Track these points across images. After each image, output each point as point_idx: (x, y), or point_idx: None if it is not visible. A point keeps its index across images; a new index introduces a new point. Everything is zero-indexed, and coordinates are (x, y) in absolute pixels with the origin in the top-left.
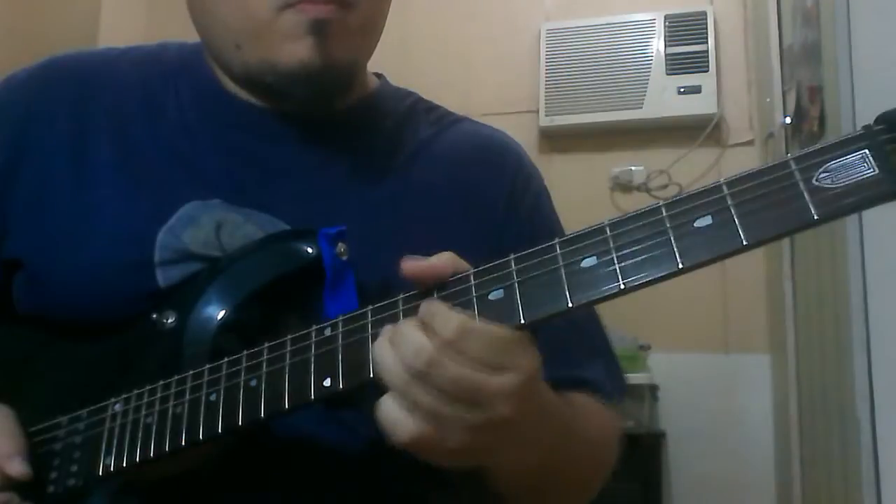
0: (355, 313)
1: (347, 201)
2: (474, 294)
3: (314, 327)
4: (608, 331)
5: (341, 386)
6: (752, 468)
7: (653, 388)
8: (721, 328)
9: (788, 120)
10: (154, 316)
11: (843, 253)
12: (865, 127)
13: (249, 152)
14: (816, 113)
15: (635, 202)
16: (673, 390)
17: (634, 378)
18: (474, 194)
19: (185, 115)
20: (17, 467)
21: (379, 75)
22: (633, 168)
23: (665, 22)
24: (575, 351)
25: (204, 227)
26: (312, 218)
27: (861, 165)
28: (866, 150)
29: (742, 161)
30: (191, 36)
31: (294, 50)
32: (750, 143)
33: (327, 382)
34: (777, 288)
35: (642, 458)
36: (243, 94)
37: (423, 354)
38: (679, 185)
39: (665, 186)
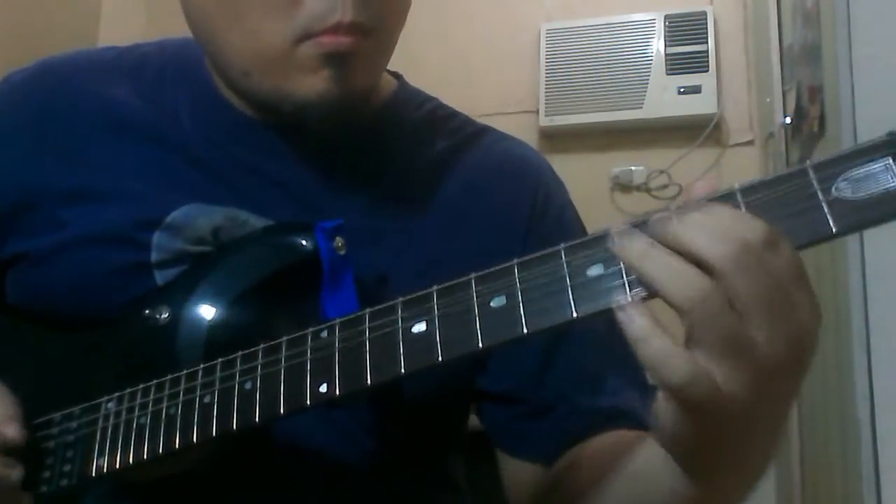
0: (352, 316)
1: (355, 218)
2: (475, 300)
3: (310, 329)
4: None
5: (338, 392)
6: None
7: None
8: None
9: (788, 120)
10: (147, 311)
11: (843, 253)
12: (890, 133)
13: (248, 164)
14: (816, 113)
15: (635, 202)
16: None
17: None
18: (492, 214)
19: (183, 121)
20: (14, 431)
21: (397, 76)
22: (633, 168)
23: (665, 22)
24: (611, 379)
25: (200, 229)
26: None
27: (884, 176)
28: (889, 159)
29: (742, 161)
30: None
31: (311, 83)
32: (750, 143)
33: (323, 388)
34: None
35: None
36: (243, 106)
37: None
38: (679, 185)
39: (665, 186)
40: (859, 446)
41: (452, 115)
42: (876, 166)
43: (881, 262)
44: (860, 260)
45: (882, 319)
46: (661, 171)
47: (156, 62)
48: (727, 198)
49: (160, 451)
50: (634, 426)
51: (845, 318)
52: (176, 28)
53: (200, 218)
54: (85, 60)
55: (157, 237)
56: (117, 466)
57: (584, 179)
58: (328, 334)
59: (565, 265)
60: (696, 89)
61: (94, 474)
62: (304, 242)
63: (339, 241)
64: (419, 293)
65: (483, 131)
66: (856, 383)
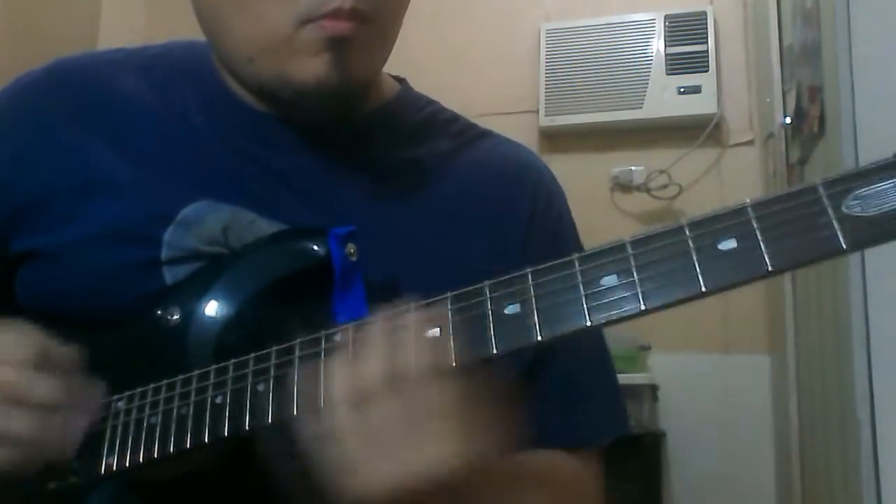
0: (367, 320)
1: (358, 214)
2: (490, 308)
3: (323, 332)
4: (608, 334)
5: None
6: (752, 468)
7: (653, 388)
8: (721, 328)
9: (788, 120)
10: (158, 312)
11: None
12: None
13: (257, 159)
14: (816, 113)
15: (635, 202)
16: (673, 390)
17: (634, 378)
18: (493, 215)
19: (192, 118)
20: (7, 374)
21: (401, 80)
22: (633, 168)
23: (665, 22)
24: (576, 390)
25: (210, 227)
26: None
27: (893, 194)
28: None
29: (742, 161)
30: (191, 35)
31: (310, 66)
32: (750, 143)
33: None
34: (777, 288)
35: (642, 458)
36: (251, 100)
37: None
38: (679, 185)
39: (665, 186)
40: (859, 446)
41: (454, 118)
42: (885, 185)
43: (881, 263)
44: (860, 261)
45: (882, 319)
46: (661, 171)
47: (164, 61)
48: (738, 213)
49: (170, 450)
50: (579, 446)
51: (845, 318)
52: (176, 28)
53: (210, 215)
54: (95, 60)
55: (168, 233)
56: (126, 465)
57: (584, 179)
58: (342, 337)
59: (579, 274)
60: (696, 89)
61: (103, 472)
62: (316, 248)
63: (350, 248)
64: (433, 299)
65: (485, 135)
66: (856, 383)
